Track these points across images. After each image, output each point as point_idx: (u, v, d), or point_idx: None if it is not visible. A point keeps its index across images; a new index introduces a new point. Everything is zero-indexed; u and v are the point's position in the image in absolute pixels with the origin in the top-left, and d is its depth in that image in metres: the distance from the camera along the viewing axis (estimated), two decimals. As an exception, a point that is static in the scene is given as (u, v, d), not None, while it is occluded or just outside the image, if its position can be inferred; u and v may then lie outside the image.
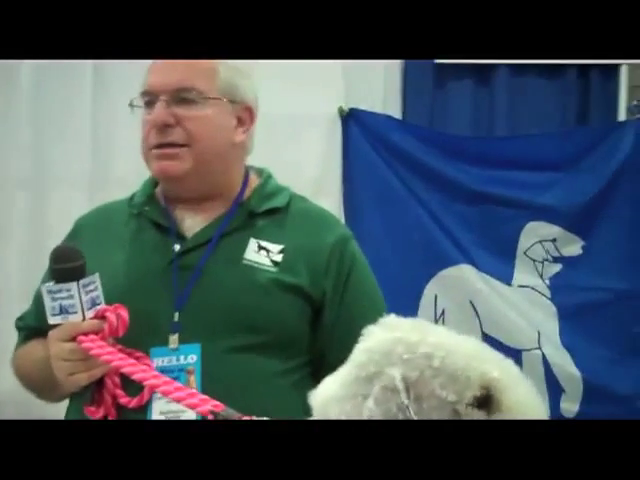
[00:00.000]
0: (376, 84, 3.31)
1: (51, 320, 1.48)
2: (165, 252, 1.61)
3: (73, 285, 1.45)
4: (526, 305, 3.19)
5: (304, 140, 3.23)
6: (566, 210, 3.19)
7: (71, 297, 1.45)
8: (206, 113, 1.61)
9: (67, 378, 1.49)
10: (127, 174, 2.86)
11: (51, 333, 1.50)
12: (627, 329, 3.17)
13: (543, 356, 3.13)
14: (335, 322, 1.62)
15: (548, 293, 3.21)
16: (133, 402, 1.50)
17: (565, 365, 3.14)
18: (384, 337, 1.05)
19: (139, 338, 1.52)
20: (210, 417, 1.31)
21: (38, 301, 1.68)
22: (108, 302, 1.51)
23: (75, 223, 1.78)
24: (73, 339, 1.46)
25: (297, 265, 1.60)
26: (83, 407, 1.52)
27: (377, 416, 0.98)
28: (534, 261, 3.22)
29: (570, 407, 3.11)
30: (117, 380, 1.51)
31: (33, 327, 1.70)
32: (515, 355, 3.12)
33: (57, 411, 1.74)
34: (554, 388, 3.12)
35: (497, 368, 1.02)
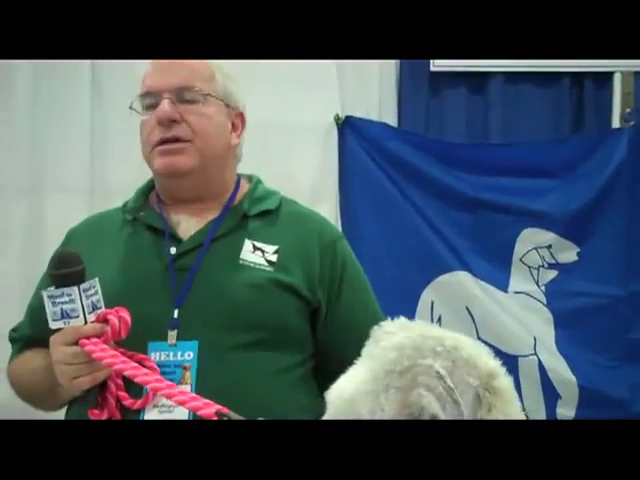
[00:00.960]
0: (372, 92, 3.32)
1: (53, 325, 1.49)
2: (162, 255, 1.63)
3: (74, 289, 1.46)
4: (522, 311, 3.20)
5: (300, 148, 3.24)
6: (561, 217, 3.21)
7: (72, 301, 1.46)
8: (208, 111, 1.65)
9: (70, 382, 1.50)
10: (125, 181, 2.85)
11: (53, 338, 1.50)
12: (623, 335, 3.18)
13: (539, 362, 3.14)
14: (331, 322, 1.65)
15: (544, 299, 3.22)
16: (137, 404, 1.51)
17: (561, 371, 3.14)
18: (408, 334, 1.15)
19: (139, 336, 1.53)
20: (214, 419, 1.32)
21: (32, 311, 1.69)
22: (108, 306, 1.52)
23: (67, 233, 1.80)
24: (75, 343, 1.47)
25: (292, 265, 1.63)
26: (86, 411, 1.52)
27: (433, 402, 1.09)
28: (530, 267, 3.23)
29: (566, 412, 3.12)
30: (120, 382, 1.52)
31: (28, 337, 1.71)
32: (511, 361, 3.13)
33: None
34: (550, 394, 3.13)
35: (491, 358, 1.18)
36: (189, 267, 1.60)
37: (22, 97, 3.12)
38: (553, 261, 3.23)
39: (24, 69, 3.10)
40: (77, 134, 3.14)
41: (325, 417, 1.14)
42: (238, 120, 1.73)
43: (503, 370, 1.18)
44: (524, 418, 1.21)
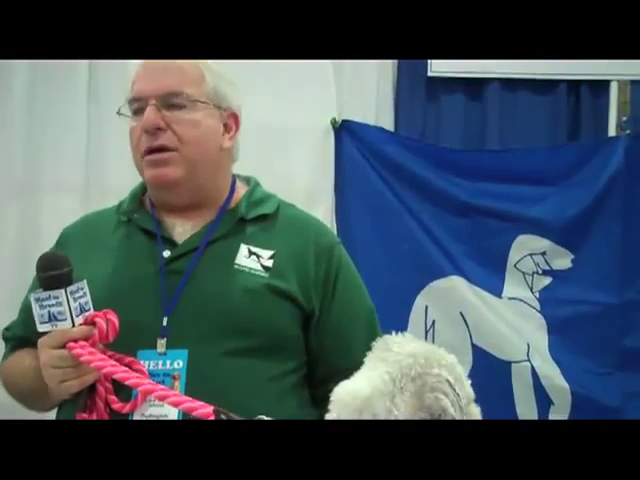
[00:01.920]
0: (369, 96, 3.33)
1: (40, 328, 1.47)
2: (155, 258, 1.61)
3: (61, 292, 1.44)
4: (516, 317, 3.21)
5: (297, 151, 3.24)
6: (556, 224, 3.22)
7: (59, 304, 1.44)
8: (195, 117, 1.62)
9: (58, 386, 1.49)
10: (121, 181, 2.84)
11: (41, 341, 1.49)
12: (616, 342, 3.19)
13: (532, 368, 3.15)
14: (325, 328, 1.64)
15: (538, 306, 3.23)
16: (126, 408, 1.50)
17: (554, 377, 3.15)
18: (417, 346, 1.26)
19: (128, 343, 1.52)
20: (212, 419, 1.32)
21: (26, 311, 1.67)
22: (98, 309, 1.50)
23: (61, 233, 1.78)
24: (63, 346, 1.45)
25: (287, 271, 1.61)
26: (74, 414, 1.50)
27: (449, 407, 1.19)
28: (524, 274, 3.24)
29: (558, 419, 3.12)
30: (109, 386, 1.51)
31: (21, 337, 1.70)
32: (504, 367, 3.14)
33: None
34: (543, 400, 3.14)
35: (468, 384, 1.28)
36: (182, 271, 1.59)
37: (18, 97, 3.12)
38: (547, 268, 3.23)
39: (20, 69, 3.10)
40: (73, 134, 3.14)
41: (334, 415, 1.21)
42: (231, 121, 1.69)
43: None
44: None
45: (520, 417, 3.11)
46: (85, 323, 1.47)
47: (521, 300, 3.23)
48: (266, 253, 1.62)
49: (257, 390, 1.54)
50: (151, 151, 1.60)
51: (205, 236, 1.63)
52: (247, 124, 1.75)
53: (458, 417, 1.19)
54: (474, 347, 3.13)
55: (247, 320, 1.56)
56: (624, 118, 3.32)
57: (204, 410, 1.34)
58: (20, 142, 3.12)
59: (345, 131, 3.24)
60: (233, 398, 1.48)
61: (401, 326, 1.31)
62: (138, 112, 1.62)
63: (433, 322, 3.19)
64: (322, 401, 1.40)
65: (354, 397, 1.20)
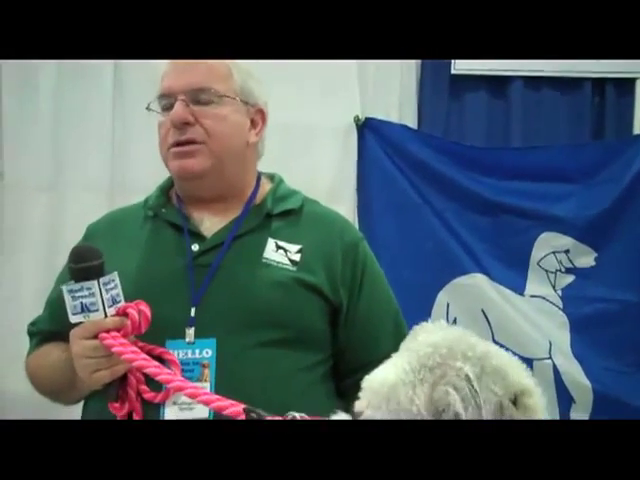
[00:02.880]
0: (392, 94, 3.33)
1: (72, 319, 1.49)
2: (183, 252, 1.64)
3: (94, 283, 1.46)
4: (538, 315, 3.20)
5: (320, 149, 3.25)
6: (580, 222, 3.21)
7: (92, 295, 1.46)
8: (223, 112, 1.65)
9: (90, 376, 1.51)
10: (145, 179, 2.86)
11: (73, 331, 1.51)
12: (638, 341, 3.17)
13: (554, 366, 3.14)
14: (351, 321, 1.66)
15: (560, 303, 3.22)
16: (158, 397, 1.52)
17: (575, 375, 3.14)
18: (445, 335, 1.23)
19: (157, 333, 1.54)
20: (242, 417, 1.33)
21: (52, 305, 1.70)
22: (128, 301, 1.52)
23: (87, 229, 1.81)
24: (95, 337, 1.47)
25: (314, 266, 1.64)
26: (105, 405, 1.53)
27: (458, 401, 1.14)
28: (547, 272, 3.23)
29: (580, 417, 3.11)
30: (140, 376, 1.52)
31: (47, 331, 1.72)
32: (526, 364, 3.12)
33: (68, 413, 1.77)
34: (564, 398, 3.12)
35: (528, 376, 1.23)
36: (210, 264, 1.61)
37: (45, 95, 3.15)
38: (570, 266, 3.23)
39: (48, 68, 3.13)
40: (98, 133, 3.16)
41: (363, 402, 1.23)
42: (258, 117, 1.73)
43: (538, 390, 1.22)
44: None
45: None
46: (117, 314, 1.49)
47: (543, 298, 3.23)
48: (293, 247, 1.65)
49: (288, 379, 1.56)
50: (178, 144, 1.63)
51: (231, 231, 1.65)
52: (270, 122, 1.77)
53: (469, 414, 1.14)
54: (496, 344, 3.12)
55: (276, 313, 1.58)
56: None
57: (234, 409, 1.35)
58: (47, 140, 3.15)
59: (368, 129, 3.24)
60: (264, 386, 1.51)
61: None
62: (167, 108, 1.65)
63: (455, 319, 3.19)
64: (347, 393, 1.42)
65: (381, 385, 1.21)
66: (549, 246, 3.22)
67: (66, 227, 3.06)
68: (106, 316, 1.48)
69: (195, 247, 1.64)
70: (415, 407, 1.17)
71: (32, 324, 1.81)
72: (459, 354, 1.19)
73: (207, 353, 1.54)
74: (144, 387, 1.52)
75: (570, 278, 3.24)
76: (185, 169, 1.65)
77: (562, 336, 3.19)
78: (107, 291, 1.48)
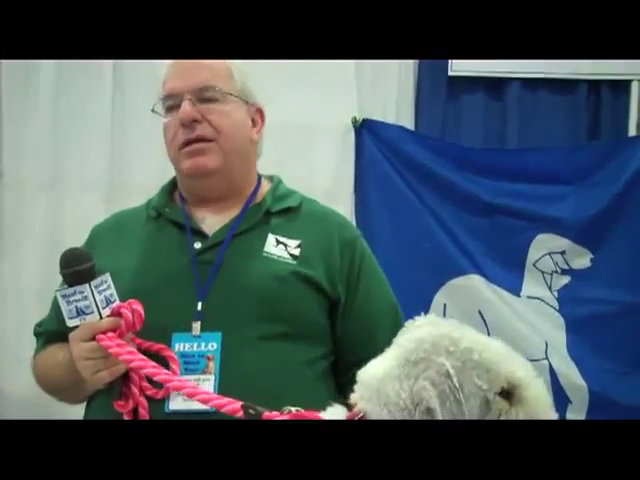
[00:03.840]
0: (389, 95, 3.35)
1: (69, 323, 1.51)
2: (186, 249, 1.66)
3: (85, 287, 1.47)
4: (534, 316, 3.21)
5: (317, 149, 3.26)
6: (576, 223, 3.22)
7: (85, 298, 1.48)
8: (228, 109, 1.68)
9: (92, 377, 1.53)
10: (144, 179, 2.89)
11: (71, 335, 1.53)
12: (634, 342, 3.18)
13: (550, 367, 3.15)
14: (350, 317, 1.68)
15: (556, 305, 3.23)
16: (160, 393, 1.53)
17: (572, 376, 3.15)
18: (431, 330, 1.24)
19: (164, 329, 1.56)
20: (240, 414, 1.35)
21: (57, 306, 1.71)
22: (132, 298, 1.54)
23: (92, 230, 1.83)
24: (93, 338, 1.49)
25: (313, 260, 1.66)
26: (110, 403, 1.55)
27: (434, 397, 1.15)
28: (543, 273, 3.24)
29: (576, 417, 3.12)
30: (142, 373, 1.53)
31: (53, 332, 1.74)
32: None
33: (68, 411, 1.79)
34: (560, 398, 3.12)
35: (522, 368, 1.23)
36: (213, 261, 1.63)
37: (45, 95, 3.16)
38: (566, 267, 3.24)
39: (47, 68, 3.14)
40: (98, 132, 3.17)
41: (357, 395, 1.25)
42: (258, 116, 1.76)
43: (537, 382, 1.23)
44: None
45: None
46: (112, 314, 1.51)
47: (540, 299, 3.24)
48: (293, 242, 1.68)
49: (292, 372, 1.58)
50: (189, 143, 1.66)
51: (232, 228, 1.68)
52: (268, 123, 1.79)
53: (446, 410, 1.15)
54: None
55: (276, 306, 1.60)
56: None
57: (232, 406, 1.37)
58: (46, 139, 3.16)
59: (365, 130, 3.26)
60: (269, 378, 1.53)
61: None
62: (172, 109, 1.68)
63: (451, 320, 3.19)
64: (345, 388, 1.43)
65: (372, 378, 1.23)
66: (545, 247, 3.23)
67: (65, 226, 3.08)
68: (101, 317, 1.50)
69: (197, 245, 1.66)
70: (402, 401, 1.18)
71: (38, 325, 1.82)
72: (442, 349, 1.19)
73: (212, 346, 1.56)
74: (146, 384, 1.53)
75: (566, 279, 3.25)
76: (198, 167, 1.67)
77: (558, 337, 3.20)
78: (100, 293, 1.49)
